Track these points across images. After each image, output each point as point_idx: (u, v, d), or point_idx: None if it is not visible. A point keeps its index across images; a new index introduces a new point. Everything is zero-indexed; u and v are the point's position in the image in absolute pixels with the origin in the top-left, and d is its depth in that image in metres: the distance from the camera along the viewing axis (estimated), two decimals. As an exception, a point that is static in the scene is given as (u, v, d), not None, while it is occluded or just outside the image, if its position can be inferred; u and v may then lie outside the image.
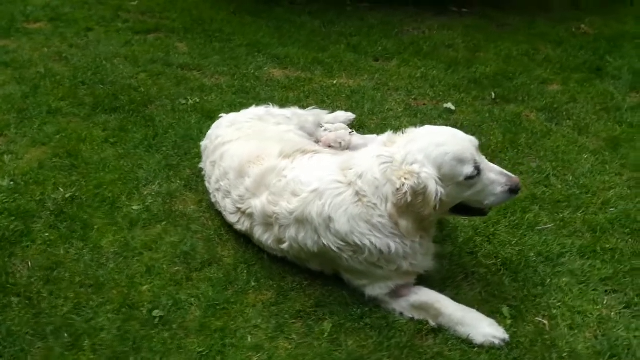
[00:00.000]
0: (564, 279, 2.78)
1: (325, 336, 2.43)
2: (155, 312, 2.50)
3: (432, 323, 2.49)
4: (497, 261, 2.89)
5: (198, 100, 4.40)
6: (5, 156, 3.63)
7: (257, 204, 2.67)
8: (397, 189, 2.31)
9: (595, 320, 2.55)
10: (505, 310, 2.58)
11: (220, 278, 2.71)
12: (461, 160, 2.36)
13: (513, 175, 2.50)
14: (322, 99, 4.53)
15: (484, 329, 2.42)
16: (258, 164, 2.78)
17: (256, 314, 2.53)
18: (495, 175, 2.46)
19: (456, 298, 2.63)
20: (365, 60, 5.32)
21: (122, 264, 2.78)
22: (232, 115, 3.41)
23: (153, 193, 3.30)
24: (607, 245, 2.99)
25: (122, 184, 3.37)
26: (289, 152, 2.76)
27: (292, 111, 3.54)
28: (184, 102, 4.39)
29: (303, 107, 4.20)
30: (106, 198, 3.24)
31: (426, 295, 2.55)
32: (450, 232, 3.08)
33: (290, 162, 2.71)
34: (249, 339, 2.40)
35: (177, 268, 2.77)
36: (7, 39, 5.55)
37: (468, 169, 2.36)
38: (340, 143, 3.45)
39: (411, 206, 2.33)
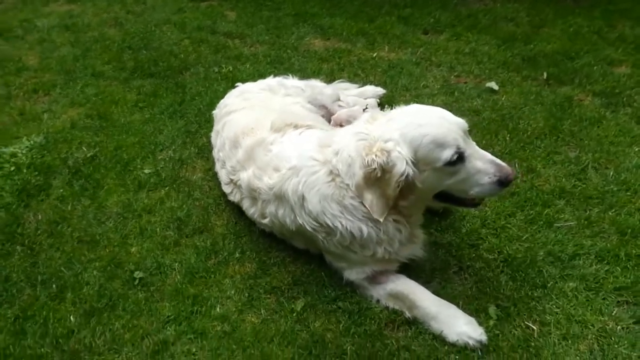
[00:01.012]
0: (570, 284, 2.51)
1: (294, 315, 2.39)
2: (137, 274, 2.58)
3: (407, 315, 2.36)
4: (498, 257, 2.67)
5: (231, 69, 4.43)
6: (45, 114, 3.89)
7: (244, 176, 2.65)
8: (367, 164, 2.17)
9: (595, 332, 2.30)
10: (492, 309, 2.39)
11: (207, 247, 2.73)
12: (441, 144, 2.17)
13: (505, 165, 2.26)
14: (357, 72, 4.37)
15: (459, 327, 2.26)
16: (251, 135, 2.74)
17: (232, 286, 2.53)
18: (483, 163, 2.23)
19: (443, 291, 2.49)
20: (413, 33, 5.04)
21: (120, 224, 2.89)
22: (246, 84, 3.38)
23: (166, 158, 3.39)
24: (635, 251, 2.65)
25: (139, 148, 3.49)
26: (280, 125, 2.68)
27: (307, 83, 3.44)
28: (217, 70, 4.43)
29: (335, 79, 4.14)
30: (122, 160, 3.38)
31: (403, 285, 2.41)
32: (454, 221, 2.88)
33: (280, 136, 2.64)
34: (218, 309, 2.42)
35: (169, 232, 2.83)
36: (75, 3, 5.90)
37: (447, 154, 2.16)
38: (351, 121, 3.30)
39: (378, 182, 2.19)
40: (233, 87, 4.03)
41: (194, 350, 2.24)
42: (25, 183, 3.18)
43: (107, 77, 4.38)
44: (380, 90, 4.00)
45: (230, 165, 2.80)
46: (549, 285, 2.51)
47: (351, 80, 4.19)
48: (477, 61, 4.50)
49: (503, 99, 3.97)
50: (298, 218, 2.40)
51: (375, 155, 2.15)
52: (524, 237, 2.77)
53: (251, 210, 2.68)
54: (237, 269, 2.63)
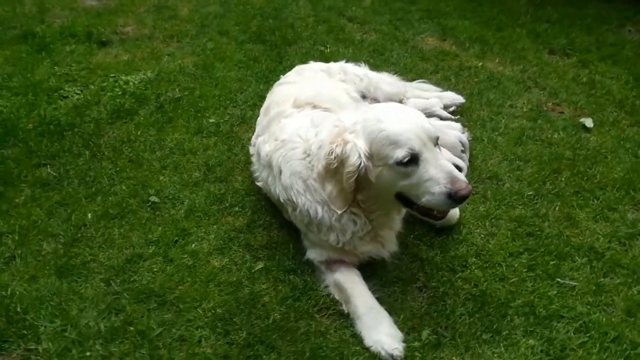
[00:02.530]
0: (530, 341, 2.31)
1: (249, 272, 2.61)
2: (153, 198, 3.03)
3: (343, 307, 2.42)
4: (471, 289, 2.53)
5: (333, 51, 4.65)
6: (166, 57, 4.59)
7: (259, 141, 2.90)
8: (327, 153, 2.26)
9: (522, 396, 2.10)
10: (425, 333, 2.33)
11: (217, 194, 3.07)
12: (394, 142, 2.15)
13: (461, 180, 2.15)
14: (449, 77, 4.26)
15: (378, 334, 2.26)
16: (278, 107, 2.97)
17: (215, 231, 2.83)
18: (437, 172, 2.15)
19: (392, 299, 2.48)
20: (537, 51, 4.67)
21: (165, 157, 3.37)
22: (312, 64, 3.58)
23: (233, 114, 3.79)
24: (629, 335, 2.30)
25: (217, 100, 3.95)
26: (301, 103, 2.85)
27: (368, 74, 3.49)
28: (321, 48, 4.69)
29: (425, 79, 4.11)
30: (198, 106, 3.87)
31: (348, 278, 2.46)
32: (448, 241, 2.77)
33: (296, 112, 2.82)
34: (193, 246, 2.74)
35: (195, 174, 3.23)
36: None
37: (399, 154, 2.14)
38: None
39: (337, 173, 2.25)
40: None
41: (155, 269, 2.61)
42: (120, 106, 3.86)
43: (229, 36, 4.93)
44: (459, 99, 3.88)
45: (257, 129, 3.07)
46: (504, 333, 2.33)
47: (437, 83, 4.11)
48: (588, 93, 4.04)
49: (592, 139, 3.56)
50: (277, 187, 2.59)
51: (336, 145, 2.23)
52: (512, 280, 2.57)
53: (255, 174, 2.93)
54: (229, 219, 2.92)
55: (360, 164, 2.19)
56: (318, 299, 2.49)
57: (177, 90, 4.08)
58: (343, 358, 2.23)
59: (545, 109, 3.88)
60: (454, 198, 2.13)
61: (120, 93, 4.03)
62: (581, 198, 3.05)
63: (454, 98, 3.89)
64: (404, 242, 2.73)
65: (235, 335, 2.31)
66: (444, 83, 4.15)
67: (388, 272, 2.61)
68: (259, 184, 2.86)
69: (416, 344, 2.27)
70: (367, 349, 2.26)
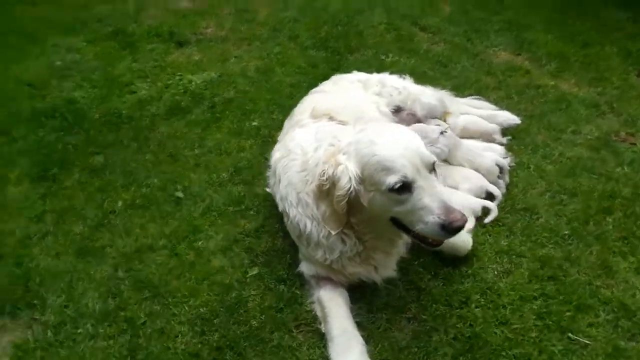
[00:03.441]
0: (514, 396, 2.07)
1: (242, 276, 2.65)
2: (178, 193, 3.19)
3: (321, 326, 2.36)
4: (463, 328, 2.35)
5: (395, 60, 4.53)
6: (233, 59, 4.78)
7: (275, 148, 2.92)
8: (320, 174, 2.21)
9: None
10: (397, 367, 2.19)
11: (236, 196, 3.14)
12: (387, 168, 2.06)
13: (456, 211, 2.01)
14: (511, 95, 3.96)
15: (347, 358, 2.16)
16: (299, 115, 2.96)
17: (224, 232, 2.90)
18: (431, 201, 2.04)
19: (373, 327, 2.39)
20: (624, 72, 4.18)
21: (202, 156, 3.51)
22: (353, 74, 3.52)
23: (276, 119, 3.84)
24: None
25: (266, 104, 4.03)
26: (318, 114, 2.82)
27: (406, 87, 3.35)
28: (382, 57, 4.59)
29: (486, 96, 3.88)
30: (246, 109, 3.99)
31: (330, 296, 2.40)
32: (452, 274, 2.58)
33: (312, 122, 2.79)
34: (200, 244, 2.84)
35: (223, 174, 3.33)
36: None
37: (391, 180, 2.04)
38: (426, 138, 3.11)
39: (329, 195, 2.20)
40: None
41: (159, 262, 2.74)
42: (178, 103, 4.10)
43: (297, 41, 5.00)
44: (513, 120, 3.60)
45: (280, 135, 3.10)
46: (485, 382, 2.12)
47: (496, 101, 3.84)
48: (673, 126, 3.52)
49: (660, 176, 3.09)
50: (277, 195, 2.60)
51: (328, 166, 2.18)
52: (515, 327, 2.34)
53: (268, 180, 2.96)
54: (241, 222, 2.98)
55: (350, 187, 2.12)
56: (300, 313, 2.46)
57: (232, 92, 4.23)
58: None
59: (614, 138, 3.45)
60: (447, 229, 2.03)
61: (181, 91, 4.28)
62: (627, 245, 2.68)
63: (508, 118, 3.61)
64: (406, 268, 2.61)
65: (210, 336, 2.36)
66: (503, 101, 3.87)
67: (379, 297, 2.50)
68: (268, 189, 2.89)
69: (385, 376, 2.16)
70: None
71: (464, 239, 2.60)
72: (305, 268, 2.53)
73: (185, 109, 4.05)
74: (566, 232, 2.76)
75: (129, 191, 3.24)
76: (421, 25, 5.17)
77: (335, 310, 2.35)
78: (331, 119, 2.80)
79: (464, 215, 2.06)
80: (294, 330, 2.39)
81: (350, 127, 2.43)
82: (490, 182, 3.04)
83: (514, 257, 2.66)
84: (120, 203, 3.13)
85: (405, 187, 2.05)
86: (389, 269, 2.47)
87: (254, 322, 2.42)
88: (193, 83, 4.38)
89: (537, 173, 3.18)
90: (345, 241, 2.33)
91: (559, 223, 2.83)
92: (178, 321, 2.44)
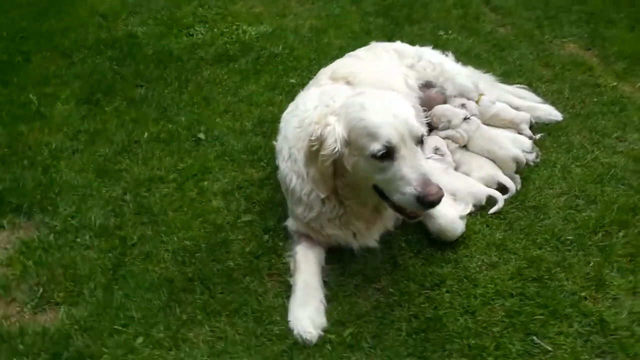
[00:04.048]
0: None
1: (234, 219, 2.77)
2: (200, 134, 3.35)
3: (290, 279, 2.44)
4: (426, 309, 2.32)
5: (452, 38, 4.37)
6: (292, 15, 4.81)
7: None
8: (309, 134, 2.25)
9: None
10: (348, 332, 2.24)
11: (253, 146, 3.23)
12: (371, 134, 2.08)
13: (433, 185, 2.02)
14: (562, 90, 3.70)
15: (301, 313, 2.25)
16: (322, 75, 2.98)
17: (231, 177, 3.02)
18: (411, 172, 2.05)
19: (339, 290, 2.42)
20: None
21: (232, 104, 3.63)
22: (392, 43, 3.45)
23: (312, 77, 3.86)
24: None
25: (308, 63, 4.04)
26: (337, 76, 2.83)
27: (442, 63, 3.24)
28: (440, 33, 4.43)
29: (535, 88, 3.69)
30: (287, 66, 4.03)
31: (304, 252, 2.47)
32: (431, 253, 2.55)
33: (330, 83, 2.80)
34: (205, 183, 2.99)
35: (247, 124, 3.43)
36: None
37: (374, 147, 2.07)
38: (442, 120, 3.05)
39: (318, 156, 2.23)
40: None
41: (165, 193, 2.93)
42: (226, 51, 4.24)
43: (359, 6, 4.92)
44: (555, 116, 3.40)
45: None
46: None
47: (545, 94, 3.62)
48: None
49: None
50: (276, 148, 2.68)
51: (318, 127, 2.21)
52: (479, 318, 2.29)
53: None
54: (249, 171, 3.08)
55: (335, 149, 2.15)
56: (275, 263, 2.54)
57: (280, 47, 4.29)
58: (259, 323, 2.27)
59: (661, 155, 3.15)
60: (422, 202, 2.04)
61: (233, 40, 4.41)
62: (631, 262, 2.49)
63: (549, 113, 3.40)
64: (389, 242, 2.61)
65: (187, 268, 2.52)
66: (552, 96, 3.63)
67: (355, 263, 2.52)
68: (274, 142, 2.95)
69: (334, 337, 2.20)
70: (286, 322, 2.26)
71: (453, 223, 2.54)
72: (290, 223, 2.60)
73: (232, 58, 4.18)
74: (569, 238, 2.61)
75: (158, 125, 3.45)
76: (493, 4, 4.90)
77: (305, 265, 2.42)
78: (348, 83, 2.80)
79: (440, 190, 2.05)
80: (266, 278, 2.48)
81: (348, 89, 2.42)
82: (507, 175, 2.92)
83: (504, 252, 2.56)
84: (146, 134, 3.35)
85: (388, 155, 2.07)
86: (369, 239, 2.49)
87: (231, 263, 2.53)
88: (247, 34, 4.49)
89: (561, 173, 2.99)
90: (324, 202, 2.36)
91: (565, 228, 2.67)
92: (164, 249, 2.61)
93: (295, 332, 2.20)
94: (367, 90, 2.30)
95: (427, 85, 3.20)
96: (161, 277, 2.47)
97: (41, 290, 2.41)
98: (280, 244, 2.64)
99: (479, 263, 2.52)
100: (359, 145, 2.12)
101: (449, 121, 3.05)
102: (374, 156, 2.08)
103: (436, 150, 2.98)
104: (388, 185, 2.13)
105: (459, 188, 2.77)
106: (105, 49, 4.22)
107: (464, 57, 3.98)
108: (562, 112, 3.42)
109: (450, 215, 2.53)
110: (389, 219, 2.54)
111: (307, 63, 4.07)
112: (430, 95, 3.18)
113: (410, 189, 2.04)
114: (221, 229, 2.72)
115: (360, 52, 3.31)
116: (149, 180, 3.01)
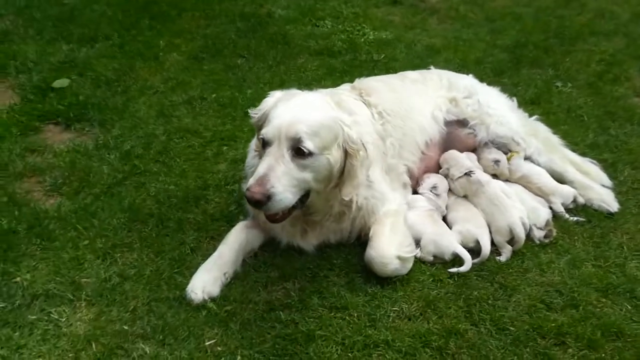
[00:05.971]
0: None
1: (224, 186, 3.04)
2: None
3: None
4: (311, 324, 2.28)
5: (568, 91, 3.93)
6: (418, 30, 4.85)
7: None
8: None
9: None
10: (226, 309, 2.34)
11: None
12: (268, 122, 2.29)
13: (256, 186, 2.14)
14: None
15: (201, 276, 2.43)
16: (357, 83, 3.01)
17: (241, 153, 3.25)
18: (260, 166, 2.22)
19: (251, 272, 2.53)
20: None
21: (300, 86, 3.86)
22: (454, 73, 3.30)
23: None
24: None
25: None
26: (357, 86, 2.89)
27: (490, 107, 2.98)
28: (558, 84, 4.03)
29: (611, 173, 3.16)
30: (375, 73, 4.06)
31: (238, 228, 2.63)
32: (362, 283, 2.47)
33: (347, 90, 2.84)
34: (225, 148, 3.33)
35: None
36: None
37: (262, 131, 2.29)
38: (448, 168, 2.87)
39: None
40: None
41: (191, 143, 3.36)
42: (333, 46, 4.52)
43: (496, 36, 4.67)
44: (608, 205, 2.88)
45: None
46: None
47: (619, 182, 3.05)
48: None
49: None
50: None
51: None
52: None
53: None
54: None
55: (254, 118, 2.45)
56: (225, 231, 2.67)
57: (383, 55, 4.37)
58: (171, 268, 2.51)
59: None
60: (247, 198, 2.18)
61: (345, 38, 4.62)
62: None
63: (604, 200, 2.89)
64: (328, 254, 2.60)
65: (156, 205, 2.87)
66: (628, 185, 3.02)
67: (285, 259, 2.58)
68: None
69: (214, 307, 2.32)
70: (188, 278, 2.46)
71: (383, 258, 2.40)
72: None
73: (333, 54, 4.43)
74: (511, 329, 2.25)
75: (229, 90, 3.91)
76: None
77: (231, 239, 2.57)
78: (360, 95, 2.81)
79: (257, 194, 2.13)
80: (205, 240, 2.69)
81: (347, 97, 2.64)
82: (498, 242, 2.62)
83: (429, 310, 2.33)
84: (214, 95, 3.84)
85: (264, 145, 2.24)
86: (304, 241, 2.55)
87: (190, 216, 2.81)
88: (364, 36, 4.68)
89: (565, 265, 2.54)
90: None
91: (516, 318, 2.29)
92: (154, 185, 3.01)
93: (187, 287, 2.40)
94: (299, 92, 2.46)
95: (459, 123, 2.98)
96: (133, 205, 2.87)
97: (60, 181, 3.03)
98: (242, 217, 2.82)
99: (396, 308, 2.35)
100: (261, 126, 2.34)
101: (448, 169, 2.84)
102: (259, 139, 2.30)
103: (433, 188, 2.80)
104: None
105: (425, 231, 2.60)
106: (238, 20, 4.82)
107: (563, 113, 3.58)
108: (620, 206, 2.84)
109: (384, 250, 2.41)
110: (332, 231, 2.55)
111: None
112: (458, 135, 2.98)
113: (247, 183, 2.20)
114: (206, 187, 3.03)
115: (411, 73, 3.23)
116: (186, 131, 3.46)
